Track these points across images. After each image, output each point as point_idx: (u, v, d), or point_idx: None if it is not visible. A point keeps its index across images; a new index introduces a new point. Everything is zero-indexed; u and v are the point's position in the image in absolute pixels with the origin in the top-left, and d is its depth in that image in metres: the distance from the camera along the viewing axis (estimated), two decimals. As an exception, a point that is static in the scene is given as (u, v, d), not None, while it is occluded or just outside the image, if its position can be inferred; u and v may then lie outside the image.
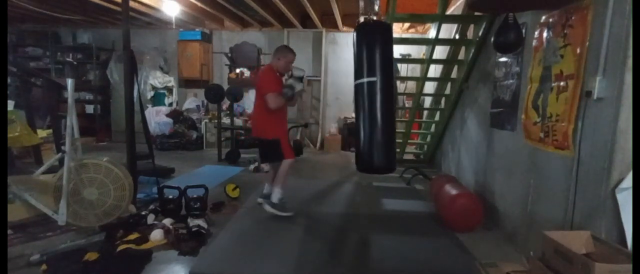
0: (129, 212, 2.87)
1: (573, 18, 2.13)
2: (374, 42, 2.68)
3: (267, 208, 3.17)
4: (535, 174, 2.49)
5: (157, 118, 6.76)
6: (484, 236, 2.88)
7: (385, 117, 2.64)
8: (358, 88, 2.70)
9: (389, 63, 2.72)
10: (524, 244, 2.56)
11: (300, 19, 6.48)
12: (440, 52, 4.65)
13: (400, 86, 6.85)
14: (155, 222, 2.79)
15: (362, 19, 3.19)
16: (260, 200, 3.38)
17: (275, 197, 3.19)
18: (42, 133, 4.48)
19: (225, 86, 6.16)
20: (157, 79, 7.14)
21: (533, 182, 2.51)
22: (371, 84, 2.64)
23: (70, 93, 2.50)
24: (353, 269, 2.35)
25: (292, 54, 3.24)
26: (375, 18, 3.01)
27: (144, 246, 2.46)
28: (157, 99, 7.25)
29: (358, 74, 2.71)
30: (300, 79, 3.19)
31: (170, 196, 3.14)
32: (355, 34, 2.79)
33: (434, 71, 5.14)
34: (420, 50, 6.48)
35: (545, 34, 2.43)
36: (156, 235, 2.57)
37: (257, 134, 3.29)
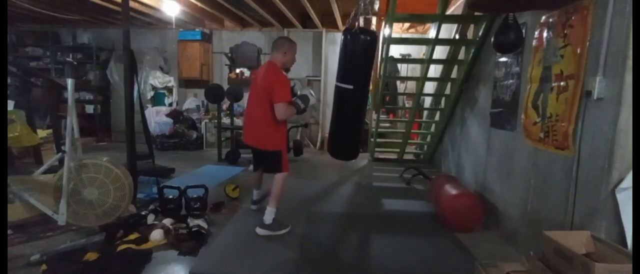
0: (129, 212, 2.87)
1: (573, 18, 2.13)
2: (353, 51, 3.06)
3: (259, 231, 2.76)
4: (535, 174, 2.49)
5: (157, 118, 6.76)
6: (484, 236, 2.88)
7: (353, 116, 3.25)
8: (336, 89, 3.22)
9: (365, 71, 3.14)
10: (524, 244, 2.56)
11: (300, 19, 6.48)
12: (440, 52, 4.66)
13: (400, 86, 6.86)
14: (155, 222, 2.79)
15: (360, 21, 3.24)
16: (253, 207, 3.29)
17: (269, 217, 2.78)
18: (42, 133, 4.48)
19: (225, 86, 6.15)
20: (157, 79, 7.13)
21: (533, 183, 2.51)
22: (346, 90, 3.11)
23: (70, 93, 2.50)
24: (353, 269, 2.35)
25: (296, 45, 2.90)
26: (361, 20, 3.14)
27: (144, 246, 2.46)
28: (157, 99, 7.25)
29: (338, 77, 3.17)
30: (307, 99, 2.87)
31: (170, 196, 3.14)
32: (341, 38, 3.12)
33: (434, 70, 5.14)
34: (420, 50, 6.48)
35: (545, 34, 2.43)
36: (156, 235, 2.57)
37: (253, 143, 2.86)
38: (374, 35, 3.10)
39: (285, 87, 2.66)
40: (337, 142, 3.40)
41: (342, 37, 3.11)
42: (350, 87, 3.08)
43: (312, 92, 2.92)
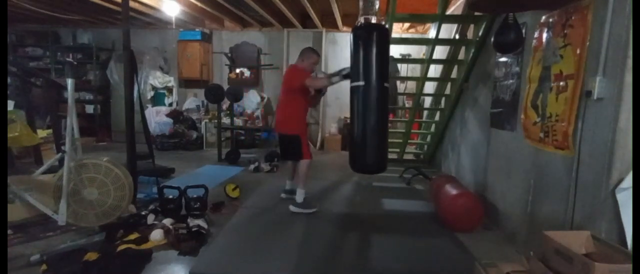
0: (129, 212, 2.87)
1: (573, 18, 2.13)
2: (369, 47, 2.81)
3: (292, 208, 3.29)
4: (535, 174, 2.49)
5: (157, 118, 6.75)
6: (484, 236, 2.88)
7: (379, 119, 2.83)
8: (353, 91, 2.89)
9: (385, 67, 2.87)
10: (524, 244, 2.56)
11: (300, 19, 6.48)
12: (440, 52, 4.66)
13: (400, 86, 6.86)
14: (155, 222, 2.79)
15: (362, 20, 3.19)
16: (283, 195, 3.62)
17: (300, 197, 3.31)
18: (42, 133, 4.47)
19: (225, 86, 6.16)
20: (157, 79, 7.13)
21: (533, 183, 2.51)
22: (366, 88, 2.81)
23: (70, 93, 2.51)
24: (353, 269, 2.35)
25: (316, 55, 3.35)
26: (374, 19, 3.03)
27: (144, 246, 2.46)
28: (157, 99, 7.25)
29: (353, 78, 2.89)
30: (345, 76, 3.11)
31: (170, 196, 3.14)
32: (351, 36, 2.89)
33: (434, 70, 5.14)
34: (420, 50, 6.48)
35: (545, 34, 2.43)
36: (156, 235, 2.57)
37: (279, 129, 3.42)
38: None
39: (302, 72, 3.24)
40: (368, 154, 2.87)
41: (359, 34, 2.87)
42: (386, 85, 2.83)
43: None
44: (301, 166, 3.32)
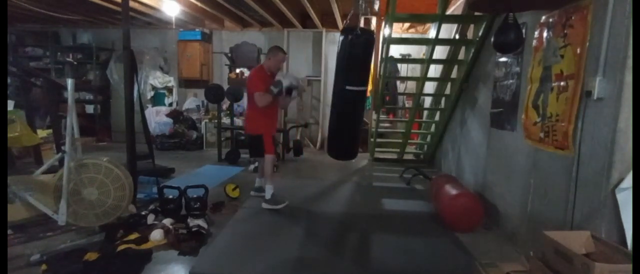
0: (129, 212, 2.87)
1: (573, 18, 2.13)
2: (354, 54, 3.10)
3: (263, 204, 3.38)
4: (535, 174, 2.49)
5: (157, 118, 6.75)
6: (484, 236, 2.88)
7: (360, 116, 3.49)
8: (347, 93, 3.23)
9: (366, 72, 3.27)
10: (524, 244, 2.56)
11: (300, 19, 6.48)
12: (440, 52, 4.66)
13: (400, 86, 6.86)
14: (155, 222, 2.79)
15: (361, 20, 3.28)
16: (253, 193, 3.72)
17: (268, 193, 3.37)
18: (42, 133, 4.48)
19: (225, 86, 6.15)
20: (157, 79, 7.13)
21: (533, 182, 2.51)
22: (357, 92, 3.23)
23: (70, 93, 2.50)
24: (353, 269, 2.35)
25: (282, 53, 3.43)
26: (362, 21, 3.18)
27: (144, 246, 2.46)
28: (157, 99, 7.25)
29: (346, 81, 3.18)
30: (290, 86, 3.29)
31: (170, 196, 3.14)
32: (339, 39, 3.18)
33: (434, 70, 5.14)
34: (420, 50, 6.48)
35: (545, 34, 2.43)
36: (156, 235, 2.57)
37: (246, 131, 3.63)
38: (373, 34, 3.33)
39: (258, 83, 3.27)
40: (343, 144, 3.56)
41: (345, 37, 3.09)
42: (363, 88, 3.28)
43: (287, 76, 3.30)
44: (265, 161, 3.43)
